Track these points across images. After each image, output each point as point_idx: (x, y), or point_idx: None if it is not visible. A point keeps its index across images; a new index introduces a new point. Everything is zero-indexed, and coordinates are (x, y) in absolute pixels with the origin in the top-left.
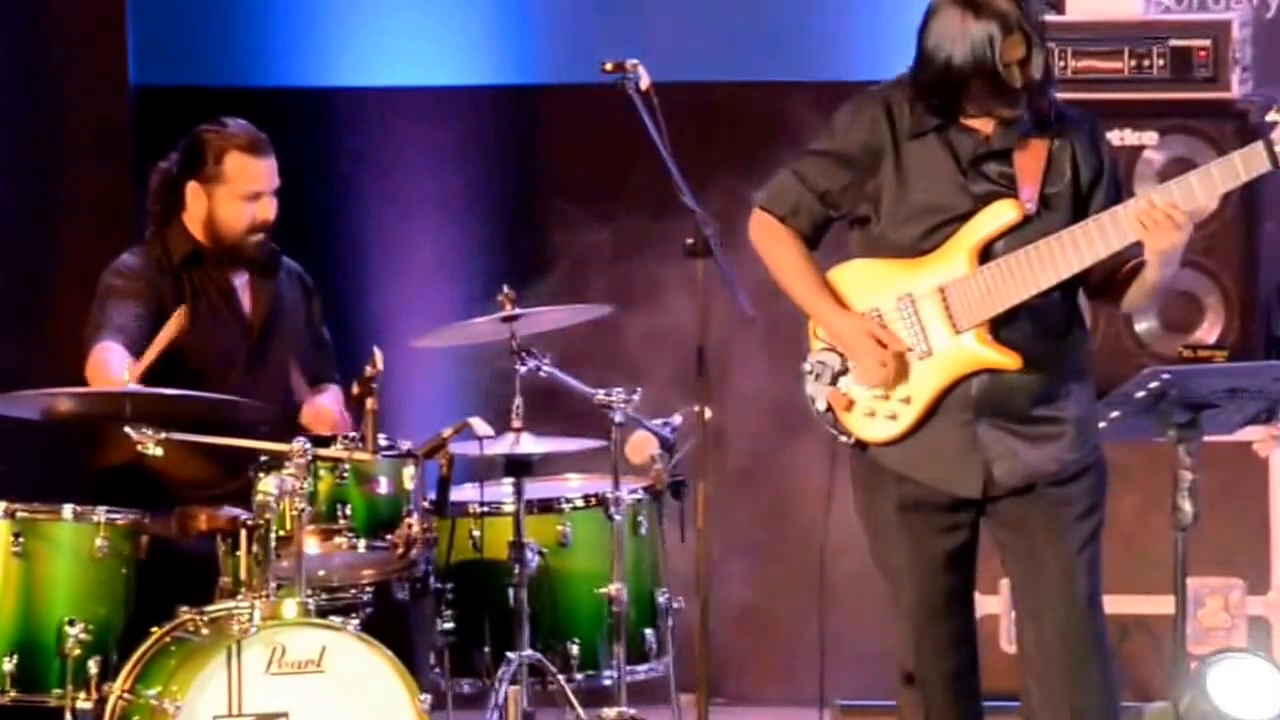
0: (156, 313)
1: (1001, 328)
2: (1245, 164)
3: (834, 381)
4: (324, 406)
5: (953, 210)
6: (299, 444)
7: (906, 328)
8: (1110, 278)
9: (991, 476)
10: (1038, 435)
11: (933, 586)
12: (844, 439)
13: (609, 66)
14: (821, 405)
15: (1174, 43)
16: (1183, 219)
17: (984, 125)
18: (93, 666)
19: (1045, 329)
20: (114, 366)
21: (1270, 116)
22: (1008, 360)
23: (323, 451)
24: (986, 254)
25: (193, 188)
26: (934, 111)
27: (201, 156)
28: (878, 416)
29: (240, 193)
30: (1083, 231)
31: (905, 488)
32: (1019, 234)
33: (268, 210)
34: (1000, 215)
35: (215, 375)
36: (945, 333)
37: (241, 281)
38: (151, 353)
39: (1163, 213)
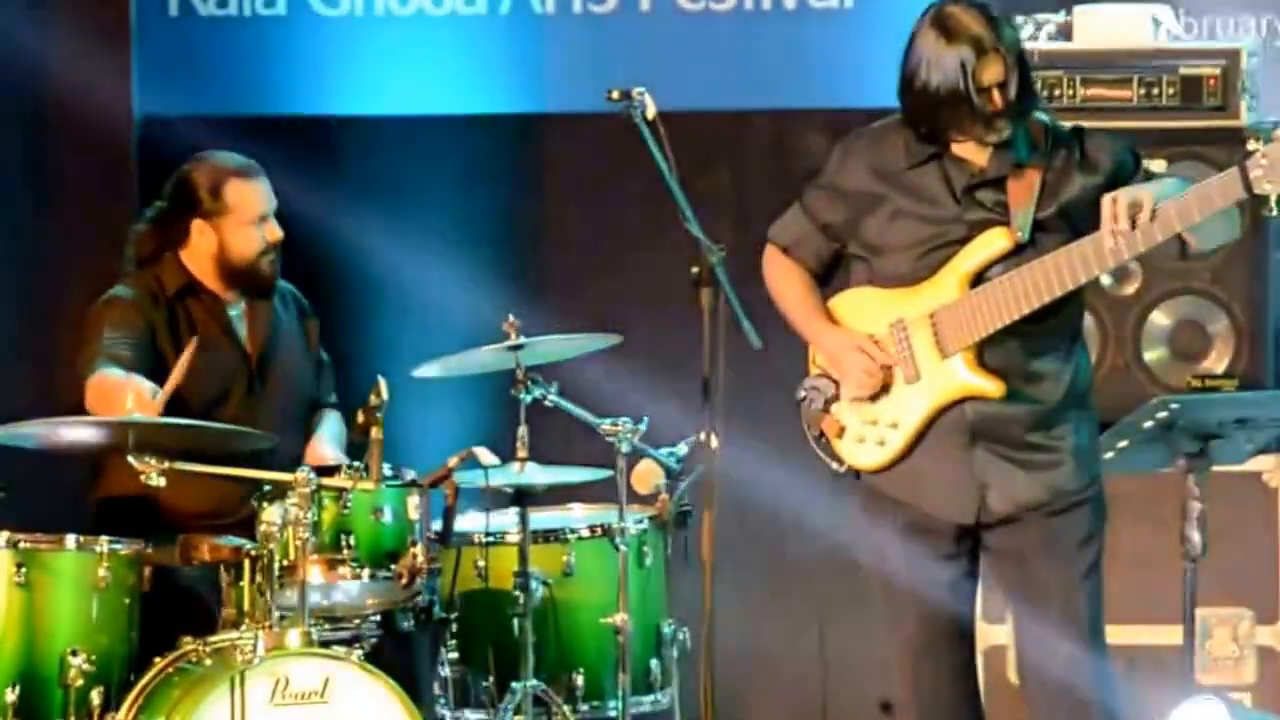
0: (150, 343)
1: (991, 353)
2: (1221, 190)
3: (826, 408)
4: (323, 457)
5: (946, 237)
6: (302, 473)
7: (898, 353)
8: None
9: (985, 503)
10: (1032, 462)
11: (933, 615)
12: (835, 465)
13: (615, 95)
14: (815, 431)
15: (1183, 70)
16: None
17: (976, 154)
18: (95, 697)
19: (1040, 355)
20: (122, 388)
21: (1251, 145)
22: (991, 387)
23: (327, 481)
24: (979, 282)
25: (198, 225)
26: (925, 139)
27: (197, 193)
28: (867, 442)
29: (247, 219)
30: (1066, 256)
31: (907, 513)
32: (1014, 260)
33: (275, 230)
34: (991, 244)
35: (215, 405)
36: (933, 358)
37: (238, 311)
38: (170, 385)
39: (1127, 216)
